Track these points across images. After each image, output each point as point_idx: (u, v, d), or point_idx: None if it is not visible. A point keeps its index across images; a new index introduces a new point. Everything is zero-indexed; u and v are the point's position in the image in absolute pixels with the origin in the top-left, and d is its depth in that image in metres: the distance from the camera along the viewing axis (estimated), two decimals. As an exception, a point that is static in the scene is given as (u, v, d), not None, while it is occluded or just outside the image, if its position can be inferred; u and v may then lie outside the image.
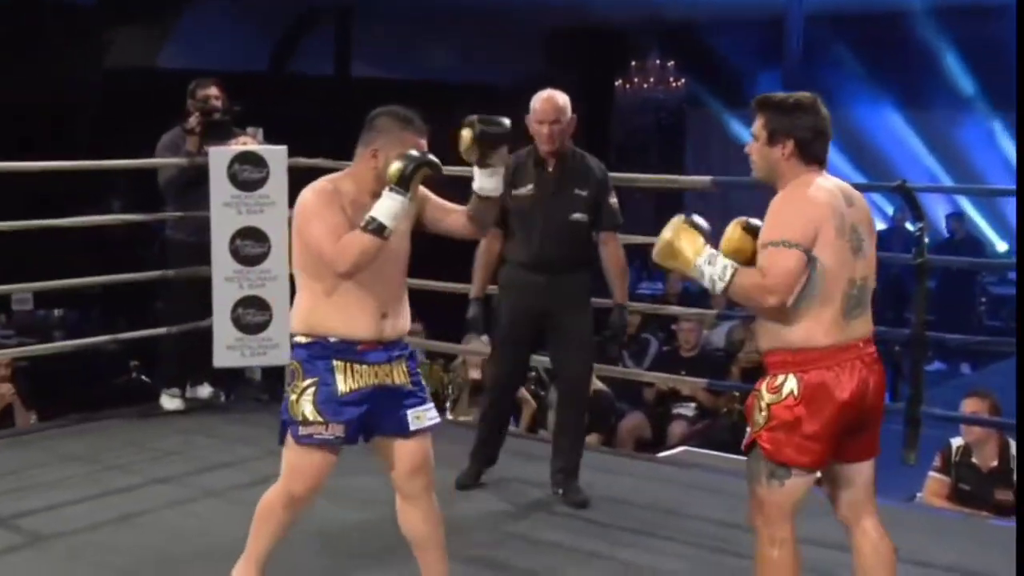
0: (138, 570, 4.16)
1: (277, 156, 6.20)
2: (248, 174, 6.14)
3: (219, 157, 6.17)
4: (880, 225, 15.53)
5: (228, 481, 5.18)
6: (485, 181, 3.46)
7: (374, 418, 3.42)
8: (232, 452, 5.59)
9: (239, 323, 6.18)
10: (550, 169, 4.73)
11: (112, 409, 6.34)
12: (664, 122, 16.83)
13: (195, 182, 6.23)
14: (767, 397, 3.15)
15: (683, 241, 3.14)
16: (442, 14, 13.97)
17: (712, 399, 7.37)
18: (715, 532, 4.58)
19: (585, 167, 4.78)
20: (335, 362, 3.37)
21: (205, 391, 6.43)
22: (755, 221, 3.23)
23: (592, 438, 6.42)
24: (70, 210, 6.67)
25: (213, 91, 6.32)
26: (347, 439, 3.39)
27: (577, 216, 4.73)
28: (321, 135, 7.59)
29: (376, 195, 3.32)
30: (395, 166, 3.29)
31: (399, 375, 3.44)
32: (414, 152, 3.33)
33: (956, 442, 5.51)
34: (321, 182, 3.44)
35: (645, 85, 16.17)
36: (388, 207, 3.27)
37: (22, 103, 11.77)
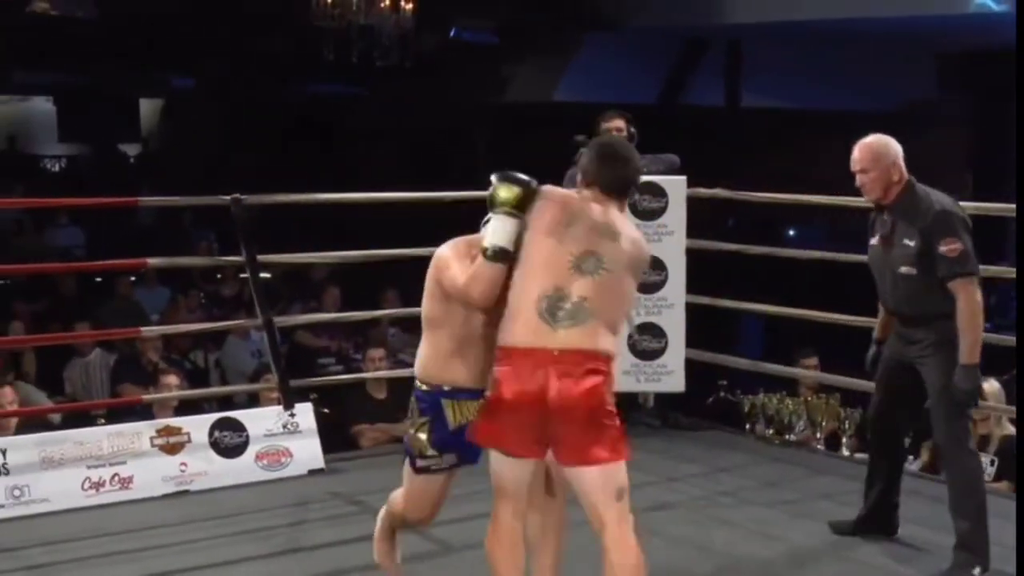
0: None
1: (676, 186, 6.19)
2: (648, 203, 6.16)
3: (620, 187, 6.22)
4: None
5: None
6: None
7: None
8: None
9: (635, 349, 6.20)
10: (886, 218, 4.43)
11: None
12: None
13: None
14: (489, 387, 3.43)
15: None
16: (831, 42, 13.59)
17: None
18: None
19: (916, 214, 4.31)
20: (444, 401, 3.62)
21: (601, 415, 6.45)
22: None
23: (1002, 485, 5.99)
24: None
25: (617, 123, 6.28)
26: (462, 463, 3.70)
27: (904, 270, 4.34)
28: (715, 164, 7.51)
29: None
30: (508, 189, 3.45)
31: None
32: (519, 175, 3.49)
33: None
34: (459, 243, 3.62)
35: (1050, 110, 15.05)
36: (504, 228, 3.43)
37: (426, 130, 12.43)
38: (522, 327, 3.33)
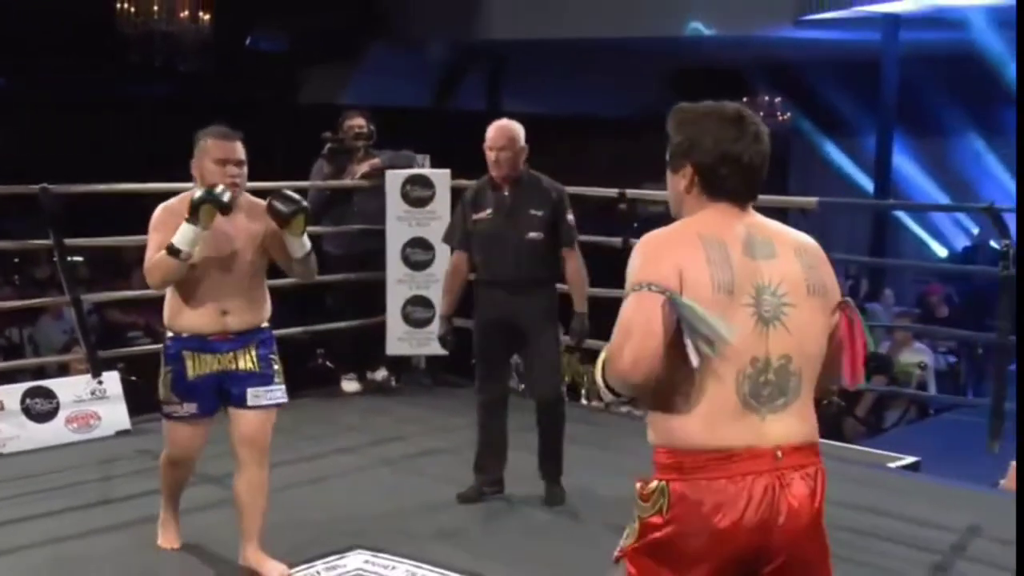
0: (329, 525, 4.26)
1: (442, 178, 6.30)
2: (418, 193, 6.24)
3: (394, 178, 6.29)
4: (964, 242, 15.12)
5: (399, 452, 5.29)
6: (291, 244, 3.54)
7: (224, 395, 3.61)
8: (402, 428, 5.69)
9: (408, 319, 6.30)
10: (505, 193, 4.41)
11: (305, 390, 6.47)
12: (771, 150, 16.49)
13: (333, 202, 6.26)
14: (638, 507, 2.06)
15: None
16: (580, 57, 13.98)
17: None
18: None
19: (540, 190, 4.41)
20: (185, 352, 3.56)
21: (380, 375, 6.51)
22: None
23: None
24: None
25: (358, 121, 6.31)
26: (202, 413, 3.62)
27: (533, 235, 4.35)
28: (477, 160, 7.68)
29: None
30: (193, 199, 3.38)
31: (245, 360, 3.58)
32: (214, 190, 3.38)
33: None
34: (173, 200, 3.58)
35: (755, 118, 15.90)
36: (183, 234, 3.38)
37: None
38: (718, 417, 1.98)
